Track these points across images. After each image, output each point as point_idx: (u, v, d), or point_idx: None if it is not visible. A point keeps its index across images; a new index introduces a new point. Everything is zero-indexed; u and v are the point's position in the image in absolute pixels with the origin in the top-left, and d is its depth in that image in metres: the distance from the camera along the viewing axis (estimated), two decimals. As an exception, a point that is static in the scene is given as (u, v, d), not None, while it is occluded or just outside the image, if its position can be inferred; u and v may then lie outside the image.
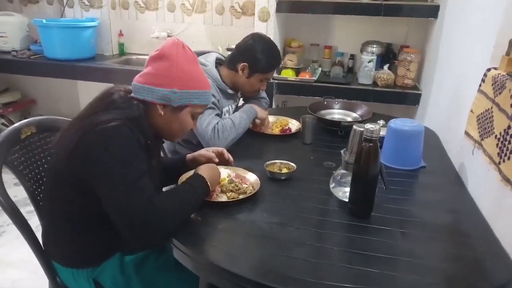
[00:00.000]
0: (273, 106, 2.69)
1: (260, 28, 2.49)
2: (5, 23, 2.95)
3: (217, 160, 1.36)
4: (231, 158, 1.40)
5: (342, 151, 1.27)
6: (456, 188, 1.38)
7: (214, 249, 1.03)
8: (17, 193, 1.45)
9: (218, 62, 1.87)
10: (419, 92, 2.42)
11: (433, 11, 2.25)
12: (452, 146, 1.64)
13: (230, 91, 1.84)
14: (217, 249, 1.02)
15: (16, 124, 1.31)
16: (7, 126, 3.32)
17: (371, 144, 1.10)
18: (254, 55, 1.76)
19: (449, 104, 1.81)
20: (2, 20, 2.95)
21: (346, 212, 1.19)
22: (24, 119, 3.35)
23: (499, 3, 1.31)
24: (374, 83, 2.55)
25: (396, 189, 1.34)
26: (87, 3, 2.98)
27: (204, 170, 1.20)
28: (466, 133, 1.37)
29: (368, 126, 1.10)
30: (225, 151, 1.40)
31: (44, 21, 2.70)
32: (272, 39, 2.47)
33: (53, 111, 3.45)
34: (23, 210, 1.21)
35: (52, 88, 3.39)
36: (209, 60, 1.82)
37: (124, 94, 1.12)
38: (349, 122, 1.86)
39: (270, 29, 2.49)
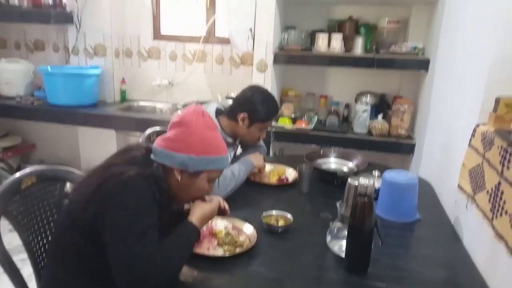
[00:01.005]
0: (271, 154, 2.73)
1: (258, 78, 2.58)
2: (11, 70, 3.04)
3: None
4: (227, 207, 1.40)
5: (338, 204, 1.29)
6: (452, 242, 1.39)
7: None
8: (12, 239, 1.43)
9: (218, 112, 1.92)
10: (413, 142, 2.47)
11: (423, 65, 2.35)
12: (447, 198, 1.66)
13: (229, 139, 1.88)
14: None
15: (18, 174, 1.32)
16: (6, 171, 3.36)
17: (365, 198, 1.12)
18: (253, 106, 1.83)
19: (441, 156, 1.85)
20: (9, 67, 3.05)
21: (342, 267, 1.18)
22: (23, 163, 3.37)
23: (484, 62, 1.38)
24: (369, 132, 2.61)
25: (392, 243, 1.34)
26: (91, 51, 3.10)
27: (195, 213, 1.18)
28: (459, 186, 1.40)
29: (363, 181, 1.12)
30: (221, 199, 1.41)
31: (49, 68, 2.80)
32: (269, 88, 2.59)
33: (52, 156, 3.48)
34: (16, 258, 1.21)
35: (53, 133, 3.44)
36: (209, 110, 1.87)
37: (145, 153, 1.16)
38: (345, 172, 1.88)
39: (268, 80, 2.58)
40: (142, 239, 0.99)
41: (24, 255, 1.29)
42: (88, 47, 3.09)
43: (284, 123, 2.66)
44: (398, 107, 2.54)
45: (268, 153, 2.69)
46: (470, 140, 1.35)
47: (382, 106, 2.77)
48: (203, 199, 1.23)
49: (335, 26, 2.76)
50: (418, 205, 1.55)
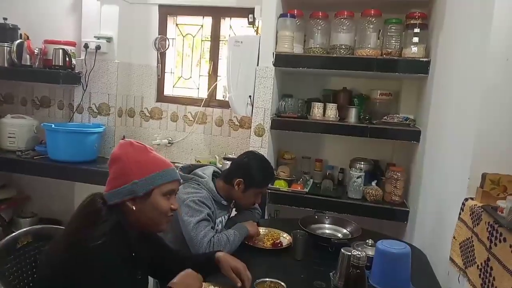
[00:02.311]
0: (266, 216, 2.74)
1: (256, 141, 2.66)
2: (15, 125, 3.13)
3: (239, 284, 1.35)
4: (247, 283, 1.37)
5: (331, 274, 1.30)
6: (445, 315, 1.38)
7: None
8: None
9: (215, 175, 1.97)
10: (407, 209, 2.50)
11: (415, 136, 2.45)
12: (440, 269, 1.66)
13: (224, 202, 1.92)
14: None
15: (15, 234, 1.34)
16: (-3, 223, 3.33)
17: (358, 270, 1.14)
18: (249, 172, 1.88)
19: (434, 225, 1.88)
20: (13, 122, 3.14)
21: None
22: (16, 216, 3.33)
23: (470, 138, 1.46)
24: (363, 198, 2.64)
25: (385, 314, 1.33)
26: (95, 109, 3.21)
27: (179, 279, 1.20)
28: (451, 259, 1.41)
29: (355, 252, 1.15)
30: (245, 276, 1.37)
31: (53, 125, 2.88)
32: (266, 151, 2.67)
33: (45, 209, 3.46)
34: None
35: (49, 187, 3.45)
36: (206, 173, 1.92)
37: (103, 203, 1.19)
38: (339, 239, 1.90)
39: (265, 143, 2.66)
40: None
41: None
42: (92, 105, 3.21)
43: (280, 185, 2.70)
44: (391, 175, 2.60)
45: (263, 215, 2.71)
46: (460, 213, 1.39)
47: (375, 172, 2.83)
48: (167, 216, 1.24)
49: (330, 96, 2.90)
50: (412, 275, 1.55)
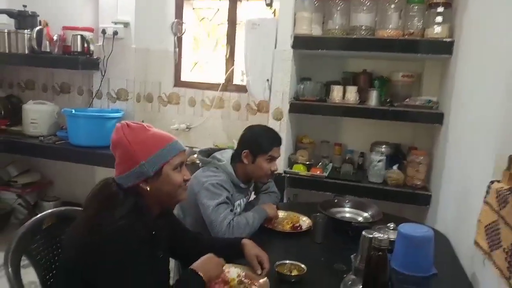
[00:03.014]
0: (284, 200, 2.73)
1: (274, 126, 2.63)
2: (37, 111, 3.18)
3: (259, 272, 1.35)
4: (266, 271, 1.37)
5: (352, 257, 1.29)
6: (469, 299, 1.36)
7: None
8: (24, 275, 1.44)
9: (233, 158, 1.96)
10: (429, 193, 2.46)
11: (438, 118, 2.38)
12: (463, 253, 1.63)
13: (242, 185, 1.91)
14: None
15: (40, 215, 1.37)
16: (23, 206, 3.42)
17: (380, 253, 1.12)
18: (250, 140, 1.88)
19: (457, 209, 1.84)
20: (36, 108, 3.19)
21: (356, 322, 1.17)
22: (40, 200, 3.42)
23: (497, 119, 1.41)
24: (384, 182, 2.60)
25: (407, 297, 1.32)
26: (114, 95, 3.23)
27: (200, 263, 1.22)
28: (476, 242, 1.38)
29: (377, 235, 1.13)
30: (266, 264, 1.38)
31: (73, 111, 2.92)
32: (284, 136, 2.65)
33: (68, 193, 3.54)
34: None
35: (71, 172, 3.52)
36: (225, 156, 1.92)
37: (118, 186, 1.19)
38: (360, 223, 1.88)
39: (283, 127, 2.64)
40: None
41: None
42: (111, 91, 3.23)
43: (299, 169, 2.69)
44: (413, 158, 2.55)
45: (281, 199, 2.71)
46: (485, 196, 1.35)
47: (397, 156, 2.78)
48: (181, 187, 1.24)
49: (350, 79, 2.84)
50: (434, 259, 1.53)
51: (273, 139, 1.92)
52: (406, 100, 2.58)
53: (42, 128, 3.17)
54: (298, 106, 2.63)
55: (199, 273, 1.16)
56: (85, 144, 2.93)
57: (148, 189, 1.18)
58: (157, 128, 1.27)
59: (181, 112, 3.34)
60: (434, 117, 2.41)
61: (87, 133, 2.92)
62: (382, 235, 1.12)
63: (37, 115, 3.16)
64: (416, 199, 2.48)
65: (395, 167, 2.60)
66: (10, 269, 1.17)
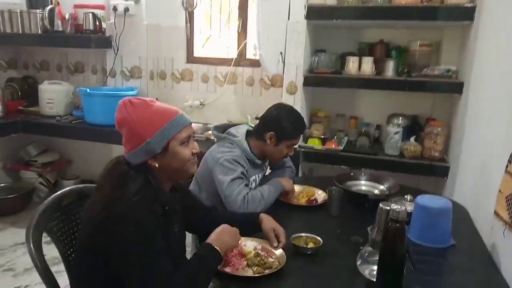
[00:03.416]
0: (299, 175, 2.73)
1: (288, 100, 2.61)
2: (53, 91, 3.21)
3: (276, 244, 1.36)
4: (282, 244, 1.37)
5: (369, 229, 1.28)
6: (489, 270, 1.34)
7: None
8: (46, 252, 1.48)
9: (248, 134, 1.95)
10: (447, 165, 2.41)
11: (457, 88, 2.31)
12: (483, 224, 1.61)
13: (258, 161, 1.90)
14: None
15: (59, 192, 1.40)
16: (44, 185, 3.51)
17: (397, 225, 1.11)
18: (280, 124, 1.85)
19: (477, 180, 1.80)
20: (51, 88, 3.22)
21: (373, 292, 1.17)
22: (60, 178, 3.49)
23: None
24: (401, 154, 2.57)
25: (424, 269, 1.31)
26: (127, 73, 3.23)
27: (216, 236, 1.22)
28: (496, 213, 1.36)
29: (395, 206, 1.11)
30: (283, 238, 1.39)
31: (88, 90, 2.93)
32: (299, 110, 2.59)
33: (87, 172, 3.61)
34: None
35: (88, 151, 3.57)
36: (240, 132, 1.91)
37: (128, 164, 1.19)
38: (376, 195, 1.86)
39: (298, 101, 2.60)
40: (154, 266, 1.04)
41: (58, 267, 1.34)
42: (124, 69, 3.23)
43: (314, 143, 2.66)
44: (431, 130, 2.49)
45: (296, 173, 2.70)
46: (507, 166, 1.32)
47: (414, 128, 2.73)
48: (191, 161, 1.23)
49: (366, 49, 2.77)
50: (452, 230, 1.51)
51: (301, 127, 1.92)
52: (424, 70, 2.51)
53: (58, 108, 3.20)
54: (312, 79, 2.59)
55: (215, 247, 1.16)
56: (101, 123, 2.96)
57: (157, 165, 1.18)
58: (172, 105, 1.25)
59: (194, 89, 3.32)
60: (453, 87, 2.34)
61: (102, 112, 2.94)
62: (399, 207, 1.11)
63: (53, 95, 3.20)
64: (433, 170, 2.44)
65: (412, 139, 2.56)
66: (31, 245, 1.21)
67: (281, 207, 1.80)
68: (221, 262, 1.18)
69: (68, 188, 1.44)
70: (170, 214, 1.21)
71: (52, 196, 1.36)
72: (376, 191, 1.95)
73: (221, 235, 1.24)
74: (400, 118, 2.69)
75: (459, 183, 2.16)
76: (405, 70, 2.58)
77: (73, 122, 3.07)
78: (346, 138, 2.84)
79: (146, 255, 1.06)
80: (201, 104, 3.28)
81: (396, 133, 2.55)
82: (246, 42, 3.15)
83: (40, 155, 3.61)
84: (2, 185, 3.46)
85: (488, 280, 1.29)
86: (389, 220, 1.12)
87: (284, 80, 2.61)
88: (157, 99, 3.28)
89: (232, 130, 1.92)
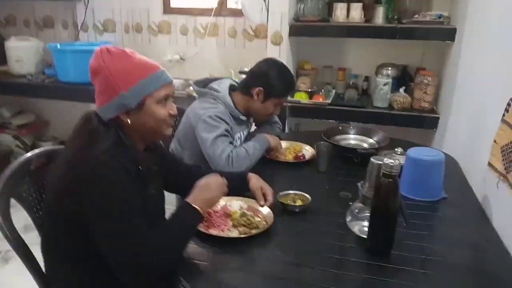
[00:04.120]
0: (286, 130, 2.65)
1: (273, 51, 2.47)
2: (21, 48, 2.99)
3: (263, 203, 1.30)
4: (269, 203, 1.31)
5: (359, 184, 1.22)
6: (480, 222, 1.31)
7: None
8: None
9: (232, 88, 1.84)
10: (437, 115, 2.35)
11: (449, 34, 2.20)
12: (474, 176, 1.57)
13: (242, 117, 1.81)
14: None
15: (27, 155, 1.28)
16: (21, 148, 3.38)
17: (390, 179, 1.04)
18: (269, 80, 1.75)
19: (469, 132, 1.74)
20: (19, 45, 3.00)
21: (364, 250, 1.12)
22: (38, 140, 3.36)
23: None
24: (390, 106, 2.49)
25: (416, 223, 1.27)
26: (101, 27, 3.02)
27: (196, 193, 1.13)
28: (490, 164, 1.31)
29: (388, 161, 1.04)
30: (270, 197, 1.32)
31: (58, 46, 2.74)
32: (285, 62, 2.47)
33: (66, 133, 3.44)
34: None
35: (65, 111, 3.39)
36: (222, 87, 1.79)
37: (99, 120, 1.08)
38: (366, 149, 1.80)
39: (283, 53, 2.47)
40: (129, 225, 0.97)
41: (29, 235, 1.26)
42: (97, 22, 3.02)
43: (300, 97, 2.57)
44: (421, 80, 2.41)
45: (283, 129, 2.62)
46: (504, 115, 1.25)
47: (404, 78, 2.64)
48: (166, 122, 1.13)
49: (355, -5, 2.61)
50: (444, 183, 1.47)
51: (291, 86, 1.84)
52: (415, 16, 2.38)
53: (28, 66, 3.00)
54: (298, 28, 2.44)
55: (195, 206, 1.08)
56: (75, 81, 2.79)
57: (129, 121, 1.08)
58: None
59: (173, 42, 3.13)
60: (445, 33, 2.23)
61: (76, 69, 2.76)
62: (392, 161, 1.04)
63: (22, 53, 2.98)
64: (423, 122, 2.39)
65: (401, 90, 2.47)
66: (-1, 216, 1.12)
67: (268, 164, 1.73)
68: (201, 220, 1.10)
69: (35, 150, 1.33)
70: (145, 174, 1.11)
71: (18, 160, 1.25)
72: (366, 145, 1.89)
73: (203, 191, 1.13)
74: (390, 68, 2.59)
75: (449, 134, 2.11)
76: (395, 17, 2.45)
77: (45, 81, 2.90)
78: (334, 91, 2.75)
79: (119, 215, 0.97)
80: (181, 59, 3.10)
81: (385, 84, 2.46)
82: (226, -10, 2.94)
83: (14, 116, 3.45)
84: (-23, 149, 3.31)
85: (480, 232, 1.26)
86: (381, 175, 1.06)
87: (268, 30, 2.46)
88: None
89: (214, 84, 1.81)
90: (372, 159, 1.16)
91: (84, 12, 2.98)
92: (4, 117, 3.40)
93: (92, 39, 3.07)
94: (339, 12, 2.44)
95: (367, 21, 2.44)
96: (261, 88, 1.73)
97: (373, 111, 2.46)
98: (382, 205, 1.07)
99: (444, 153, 1.85)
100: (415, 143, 1.86)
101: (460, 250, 1.15)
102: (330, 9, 2.54)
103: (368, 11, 2.47)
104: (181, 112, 1.86)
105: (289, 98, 2.57)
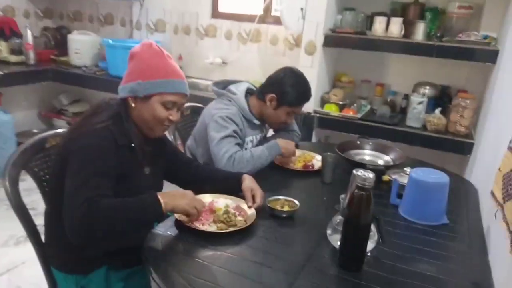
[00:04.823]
0: (314, 140, 2.63)
1: (306, 60, 2.48)
2: (80, 41, 3.29)
3: (250, 204, 1.33)
4: (256, 205, 1.33)
5: (341, 197, 1.20)
6: (476, 253, 1.22)
7: (181, 279, 1.00)
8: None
9: (249, 92, 1.88)
10: (472, 141, 2.21)
11: (491, 56, 2.06)
12: (484, 205, 1.46)
13: (256, 121, 1.84)
14: (184, 280, 0.99)
15: (43, 134, 1.42)
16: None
17: (363, 192, 1.02)
18: (283, 88, 1.76)
19: (489, 159, 1.63)
20: (79, 38, 3.29)
21: (335, 262, 1.10)
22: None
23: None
24: (424, 127, 2.38)
25: (403, 245, 1.22)
26: (152, 26, 3.21)
27: (168, 192, 1.18)
28: (492, 192, 1.22)
29: (361, 173, 1.02)
30: (259, 199, 1.34)
31: (110, 41, 2.96)
32: (316, 72, 2.48)
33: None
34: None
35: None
36: (239, 90, 1.84)
37: (110, 99, 1.26)
38: (375, 165, 1.75)
39: (316, 63, 2.46)
40: (89, 181, 1.05)
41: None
42: (149, 22, 3.21)
43: (330, 109, 2.54)
44: (458, 102, 2.28)
45: (310, 139, 2.61)
46: (510, 142, 1.16)
47: (442, 99, 2.51)
48: (163, 124, 1.25)
49: (398, 9, 2.54)
50: (456, 209, 1.39)
51: (304, 95, 1.81)
52: (459, 35, 2.26)
53: (85, 58, 3.28)
54: (333, 39, 2.42)
55: (160, 199, 1.11)
56: (122, 75, 2.98)
57: (133, 105, 1.22)
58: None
59: (218, 46, 3.24)
60: (486, 55, 2.09)
61: (124, 64, 2.92)
62: (366, 174, 1.01)
63: (80, 46, 3.27)
64: (456, 146, 2.25)
65: (437, 110, 2.35)
66: (7, 182, 1.24)
67: (275, 170, 1.74)
68: (159, 215, 1.12)
69: (54, 131, 1.46)
70: (139, 154, 1.22)
71: (34, 138, 1.38)
72: (380, 162, 1.83)
73: (175, 195, 1.17)
74: (427, 87, 2.48)
75: (478, 161, 1.98)
76: (438, 34, 2.34)
77: (97, 73, 3.14)
78: (368, 106, 2.68)
79: (83, 172, 1.07)
80: (223, 62, 3.20)
81: (419, 103, 2.36)
82: (271, -1, 3.00)
83: (71, 104, 3.76)
84: (35, 131, 3.65)
85: (470, 264, 1.16)
86: (355, 187, 1.03)
87: (302, 38, 2.47)
88: (180, 55, 3.23)
89: (231, 87, 1.86)
90: (354, 171, 1.13)
91: (139, 12, 3.19)
92: (62, 104, 3.72)
93: (144, 37, 3.27)
94: (378, 26, 2.39)
95: (406, 36, 2.36)
96: (274, 95, 1.75)
97: (403, 130, 2.37)
98: (353, 217, 1.04)
99: (464, 180, 1.76)
100: (431, 163, 1.77)
101: (438, 279, 1.07)
102: (370, 22, 2.49)
103: (410, 27, 2.39)
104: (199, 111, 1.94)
105: (318, 109, 2.56)
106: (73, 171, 1.08)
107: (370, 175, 1.01)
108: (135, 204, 1.10)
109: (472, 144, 2.20)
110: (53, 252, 1.27)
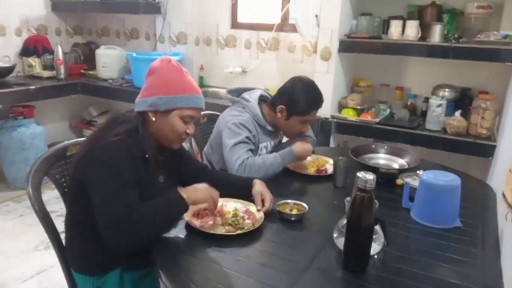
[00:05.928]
0: (332, 145, 2.63)
1: (322, 67, 2.49)
2: (107, 55, 3.44)
3: (259, 208, 1.36)
4: (265, 208, 1.36)
5: (346, 200, 1.20)
6: (489, 257, 1.19)
7: (189, 281, 1.03)
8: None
9: (262, 99, 1.92)
10: (494, 144, 2.15)
11: (509, 55, 2.01)
12: (500, 208, 1.42)
13: (269, 128, 1.87)
14: (192, 283, 1.03)
15: (65, 143, 1.51)
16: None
17: (364, 194, 1.03)
18: (291, 98, 1.77)
19: (508, 160, 1.58)
20: (106, 53, 3.45)
21: (340, 264, 1.11)
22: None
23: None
24: (444, 130, 2.34)
25: (411, 247, 1.21)
26: (174, 39, 3.32)
27: (189, 188, 1.25)
28: (503, 194, 1.19)
29: (362, 175, 1.03)
30: (268, 203, 1.37)
31: (134, 54, 3.08)
32: (333, 78, 2.49)
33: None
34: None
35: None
36: (253, 97, 1.88)
37: (126, 112, 1.31)
38: (388, 169, 1.73)
39: (331, 68, 2.48)
40: (119, 193, 1.10)
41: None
42: (172, 35, 3.32)
43: (347, 114, 2.54)
44: (479, 104, 2.23)
45: (328, 144, 2.61)
46: (520, 140, 1.14)
47: (463, 101, 2.46)
48: (181, 137, 1.30)
49: (415, 12, 2.52)
50: (471, 212, 1.36)
51: (314, 102, 1.79)
52: (478, 35, 2.22)
53: (112, 71, 3.42)
54: (348, 44, 2.43)
55: (182, 194, 1.18)
56: (145, 87, 3.10)
57: (154, 119, 1.26)
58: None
59: (237, 56, 3.31)
60: (507, 55, 2.04)
61: (147, 76, 3.07)
62: (367, 175, 1.02)
63: (107, 60, 3.42)
64: (476, 149, 2.19)
65: (457, 113, 2.31)
66: (30, 188, 1.33)
67: (288, 174, 1.75)
68: (185, 209, 1.19)
69: (74, 140, 1.55)
70: (153, 162, 1.26)
71: (56, 146, 1.47)
72: (396, 165, 1.82)
73: (195, 187, 1.26)
74: (446, 90, 2.44)
75: (499, 163, 1.92)
76: (455, 36, 2.30)
77: (122, 85, 3.27)
78: (388, 111, 2.66)
79: (111, 185, 1.12)
80: (243, 71, 3.26)
81: (438, 106, 2.32)
82: (288, 7, 3.03)
83: (100, 115, 3.92)
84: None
85: (481, 267, 1.13)
86: (356, 189, 1.04)
87: (318, 45, 2.49)
88: (202, 66, 3.29)
89: (245, 94, 1.90)
90: (358, 174, 1.14)
91: (162, 25, 3.30)
92: (92, 115, 3.89)
93: (167, 50, 3.38)
94: (394, 29, 2.38)
95: (422, 39, 2.34)
96: (283, 106, 1.77)
97: (422, 134, 2.33)
98: (355, 219, 1.05)
99: (483, 182, 1.72)
100: (447, 167, 1.74)
101: (446, 282, 1.06)
102: (386, 27, 2.48)
103: (426, 29, 2.36)
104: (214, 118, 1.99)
105: (335, 114, 2.57)
106: (100, 185, 1.13)
107: (371, 176, 1.02)
108: (163, 204, 1.17)
109: (494, 146, 2.14)
110: (73, 255, 1.34)
